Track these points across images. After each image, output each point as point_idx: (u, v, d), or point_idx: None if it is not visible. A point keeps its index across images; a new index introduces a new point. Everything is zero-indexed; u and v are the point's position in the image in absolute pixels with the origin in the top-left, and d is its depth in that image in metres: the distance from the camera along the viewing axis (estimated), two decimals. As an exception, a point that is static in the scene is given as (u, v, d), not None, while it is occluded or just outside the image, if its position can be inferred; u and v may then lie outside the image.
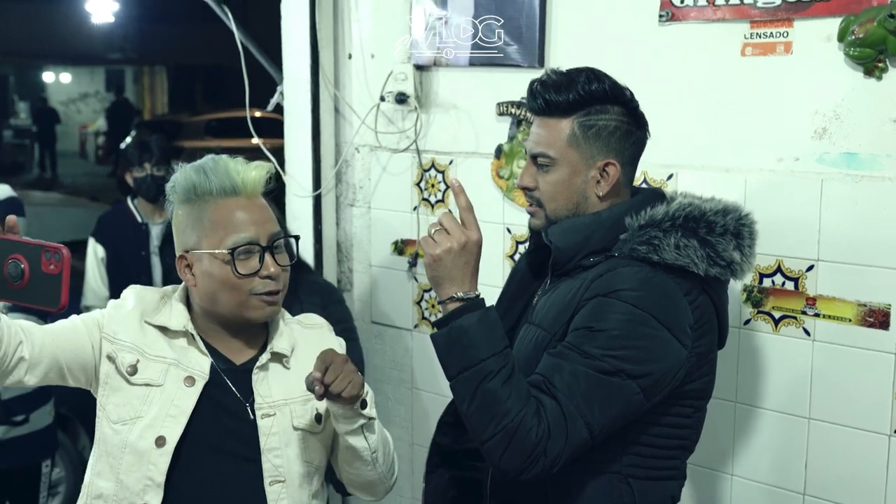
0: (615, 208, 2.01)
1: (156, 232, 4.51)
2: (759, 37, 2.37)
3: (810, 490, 2.40)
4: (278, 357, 2.04)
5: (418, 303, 3.20)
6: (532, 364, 1.94)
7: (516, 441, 1.77)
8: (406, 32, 3.08)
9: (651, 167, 2.56)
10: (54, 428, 3.88)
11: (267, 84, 3.54)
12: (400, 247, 3.21)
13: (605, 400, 1.82)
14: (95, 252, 4.52)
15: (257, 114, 3.46)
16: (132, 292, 2.06)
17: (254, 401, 1.96)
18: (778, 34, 2.34)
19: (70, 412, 4.77)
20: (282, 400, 2.00)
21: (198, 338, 2.01)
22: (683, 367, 1.89)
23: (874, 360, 2.27)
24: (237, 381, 2.00)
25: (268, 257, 1.97)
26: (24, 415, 3.66)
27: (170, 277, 4.11)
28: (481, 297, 1.87)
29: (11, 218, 1.65)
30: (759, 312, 2.44)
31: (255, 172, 1.98)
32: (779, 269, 2.39)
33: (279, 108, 3.50)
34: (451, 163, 3.06)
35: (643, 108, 2.46)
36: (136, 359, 1.96)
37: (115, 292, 4.47)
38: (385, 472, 2.04)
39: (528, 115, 2.11)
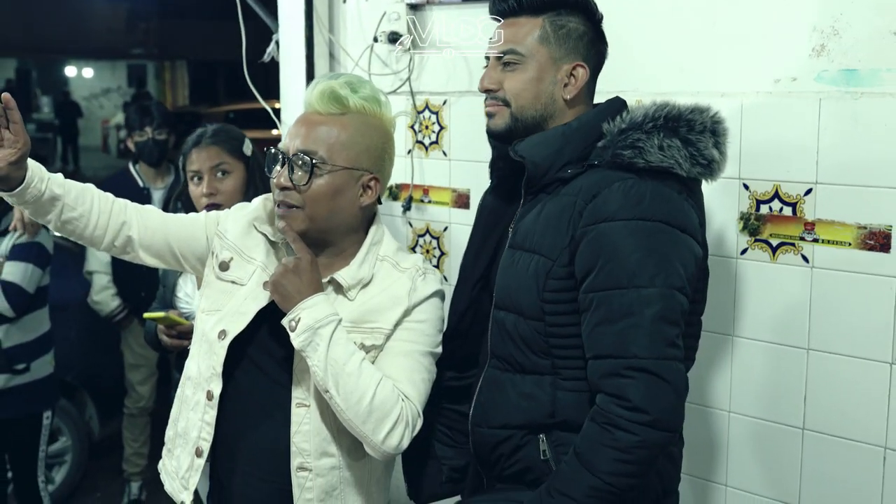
0: (584, 116, 1.98)
1: (157, 197, 4.48)
2: (755, -47, 2.30)
3: (809, 424, 2.32)
4: (337, 286, 2.03)
5: (413, 248, 3.14)
6: (531, 292, 1.91)
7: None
8: (400, -27, 3.02)
9: (644, 95, 2.46)
10: (55, 378, 3.86)
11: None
12: (395, 192, 3.15)
13: (673, 326, 1.81)
14: (99, 217, 4.51)
15: (277, 105, 3.42)
16: (260, 198, 2.18)
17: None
18: (774, -50, 2.27)
19: (76, 380, 4.77)
20: None
21: (287, 251, 2.08)
22: (699, 263, 1.91)
23: (875, 284, 2.18)
24: None
25: (279, 168, 2.00)
26: (25, 363, 3.66)
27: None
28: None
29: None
30: (756, 241, 2.36)
31: (318, 89, 2.02)
32: (776, 195, 2.31)
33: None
34: (444, 103, 3.00)
35: (635, 33, 2.43)
36: (230, 257, 2.10)
37: (117, 258, 4.48)
38: (357, 423, 1.93)
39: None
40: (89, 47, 21.53)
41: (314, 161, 1.97)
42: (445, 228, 3.04)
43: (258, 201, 2.18)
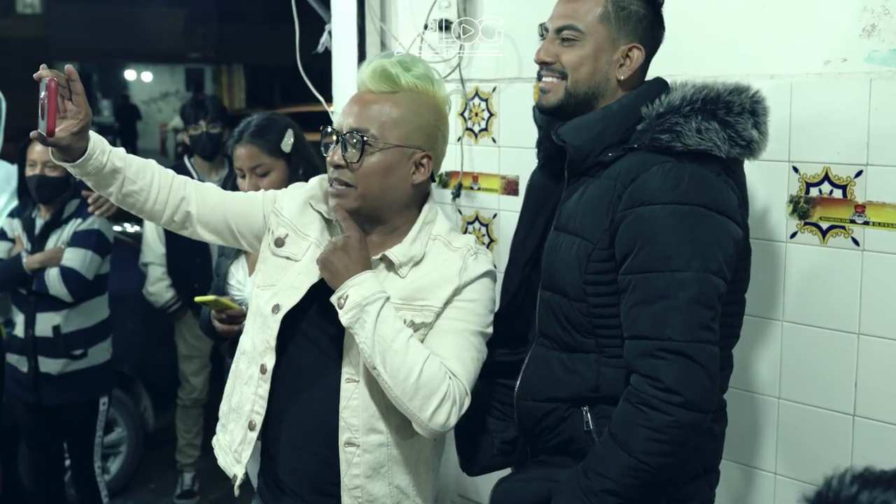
0: (624, 99, 2.00)
1: (211, 190, 4.55)
2: (805, -67, 2.28)
3: (861, 411, 2.28)
4: (389, 263, 2.05)
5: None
6: (574, 274, 1.94)
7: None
8: (451, -38, 3.04)
9: (693, 78, 2.47)
10: (112, 365, 3.93)
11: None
12: (444, 179, 3.17)
13: (708, 309, 1.83)
14: (153, 210, 4.58)
15: (330, 109, 3.47)
16: (317, 178, 2.21)
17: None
18: (825, -71, 2.25)
19: (132, 372, 4.85)
20: None
21: (340, 228, 2.09)
22: (739, 244, 1.91)
23: (927, 267, 2.16)
24: None
25: (333, 146, 2.03)
26: (82, 349, 3.73)
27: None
28: None
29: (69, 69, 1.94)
30: (805, 224, 2.33)
31: (370, 67, 2.04)
32: (826, 177, 2.29)
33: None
34: (494, 90, 3.01)
35: (683, 16, 2.42)
36: (285, 233, 2.13)
37: (171, 249, 4.57)
38: (405, 400, 1.94)
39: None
40: (148, 52, 21.89)
41: (365, 139, 1.99)
42: (495, 215, 3.06)
43: (315, 181, 2.21)
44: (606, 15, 1.97)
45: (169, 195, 2.12)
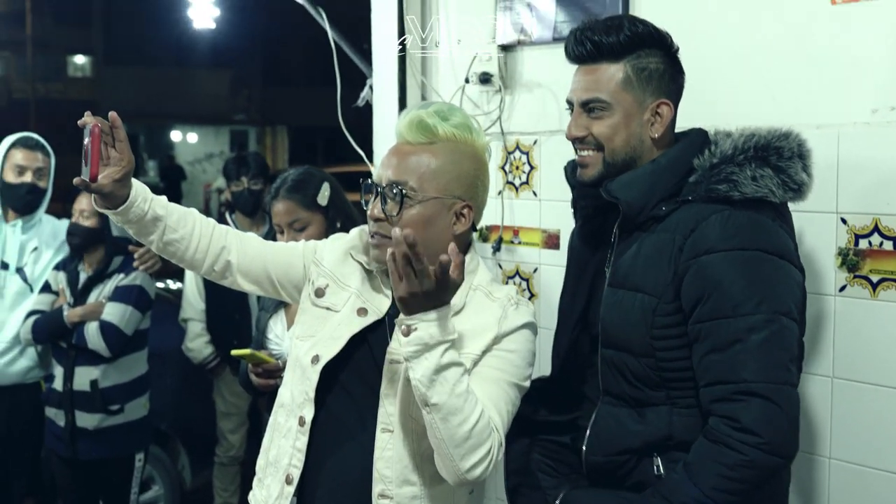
0: (670, 152, 2.01)
1: (252, 245, 4.55)
2: (851, -18, 2.25)
3: (917, 471, 2.20)
4: None
5: (502, 290, 3.12)
6: (640, 330, 1.95)
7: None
8: (492, 16, 3.05)
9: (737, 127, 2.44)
10: (149, 421, 3.91)
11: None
12: (484, 233, 3.14)
13: (783, 351, 1.84)
14: (194, 266, 4.60)
15: (372, 168, 3.49)
16: (357, 229, 2.20)
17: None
18: (871, -22, 2.22)
19: (170, 429, 4.83)
20: None
21: (382, 280, 2.07)
22: (801, 288, 1.95)
23: (983, 321, 2.09)
24: (394, 327, 2.00)
25: (373, 200, 2.02)
26: (119, 404, 3.72)
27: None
28: None
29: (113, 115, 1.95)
30: (855, 277, 2.27)
31: (406, 118, 2.03)
32: (876, 229, 2.23)
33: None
34: (535, 142, 2.99)
35: (727, 65, 2.40)
36: (326, 284, 2.11)
37: (211, 305, 4.57)
38: (450, 445, 1.85)
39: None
40: (194, 113, 22.31)
41: (404, 191, 1.97)
42: (535, 269, 3.02)
43: (355, 231, 2.19)
44: (628, 80, 1.98)
45: (210, 244, 2.12)
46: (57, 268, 3.87)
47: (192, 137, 24.90)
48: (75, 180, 1.93)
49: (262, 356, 2.66)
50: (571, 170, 2.18)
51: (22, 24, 22.75)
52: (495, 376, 1.97)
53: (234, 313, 4.53)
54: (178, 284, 5.70)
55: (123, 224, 2.03)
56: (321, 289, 2.11)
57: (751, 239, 1.87)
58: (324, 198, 2.93)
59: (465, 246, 2.08)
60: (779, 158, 1.92)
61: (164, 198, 2.08)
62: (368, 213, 2.02)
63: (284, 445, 2.08)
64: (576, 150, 2.08)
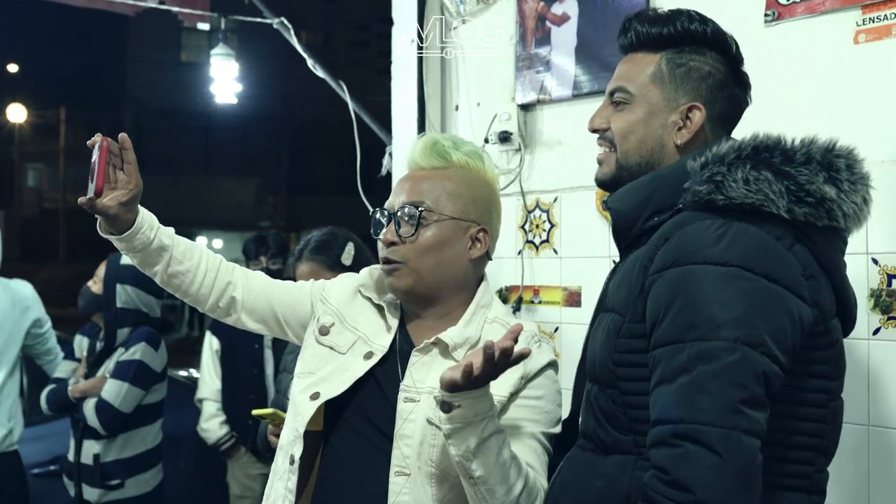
0: (675, 165, 1.73)
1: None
2: (873, 21, 2.23)
3: (962, 525, 2.08)
4: (443, 346, 1.93)
5: (523, 351, 3.04)
6: (603, 353, 1.67)
7: None
8: (511, 77, 3.05)
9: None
10: (154, 497, 3.80)
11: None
12: (504, 294, 3.08)
13: (740, 389, 1.46)
14: (211, 345, 4.55)
15: None
16: (367, 268, 2.14)
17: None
18: (892, 15, 2.20)
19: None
20: (430, 387, 1.86)
21: (390, 313, 2.02)
22: (805, 325, 1.55)
23: None
24: (406, 362, 1.94)
25: (386, 227, 1.97)
26: (120, 479, 3.64)
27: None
28: None
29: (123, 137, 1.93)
30: (888, 319, 2.18)
31: (420, 144, 2.01)
32: (909, 268, 2.15)
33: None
34: (555, 200, 2.95)
35: (754, 110, 2.34)
36: (331, 322, 2.03)
37: (226, 384, 4.49)
38: None
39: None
40: (221, 219, 22.57)
41: (421, 210, 1.93)
42: (556, 329, 2.94)
43: (365, 270, 2.14)
44: (660, 73, 1.76)
45: (216, 279, 2.07)
46: (83, 332, 3.86)
47: (217, 243, 25.12)
48: (80, 200, 1.89)
49: (285, 416, 2.59)
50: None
51: (56, 135, 23.31)
52: (531, 430, 1.89)
53: (250, 393, 4.46)
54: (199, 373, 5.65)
55: (128, 252, 1.99)
56: (326, 326, 2.04)
57: (732, 252, 1.52)
58: (348, 257, 2.89)
59: (478, 278, 2.03)
60: (785, 162, 1.57)
61: (171, 229, 2.04)
62: (381, 237, 1.97)
63: (279, 488, 1.98)
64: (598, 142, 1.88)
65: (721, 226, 1.56)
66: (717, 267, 1.52)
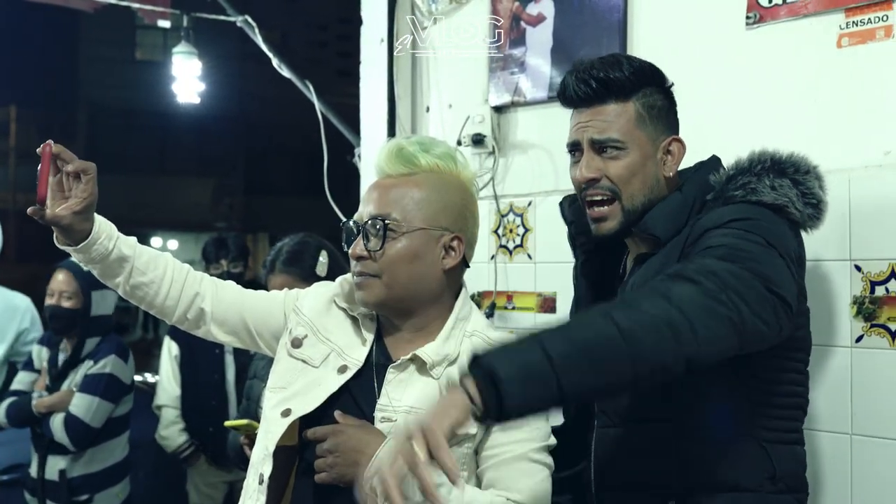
0: (693, 178, 1.93)
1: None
2: (856, 25, 2.21)
3: (946, 535, 2.05)
4: (420, 363, 1.84)
5: (496, 358, 2.99)
6: None
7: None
8: (485, 78, 3.00)
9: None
10: None
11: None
12: (477, 300, 3.02)
13: (762, 277, 1.60)
14: (170, 350, 4.44)
15: None
16: (340, 277, 2.03)
17: (378, 401, 1.76)
18: (876, 19, 2.18)
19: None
20: (408, 406, 1.80)
21: (366, 325, 1.92)
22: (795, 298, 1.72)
23: None
24: (383, 378, 1.85)
25: (355, 240, 1.87)
26: (87, 495, 3.53)
27: (242, 376, 3.98)
28: None
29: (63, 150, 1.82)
30: (872, 326, 2.16)
31: (385, 150, 1.91)
32: (892, 275, 2.13)
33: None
34: (530, 204, 2.90)
35: (736, 111, 2.34)
36: (304, 334, 1.94)
37: (186, 391, 4.38)
38: None
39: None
40: (176, 220, 22.29)
41: (388, 223, 1.83)
42: (530, 335, 2.89)
43: (339, 280, 2.04)
44: (641, 118, 1.88)
45: (182, 290, 1.97)
46: (41, 342, 3.71)
47: (173, 244, 24.83)
48: (29, 210, 1.80)
49: (258, 426, 2.52)
50: (568, 205, 2.10)
51: (6, 134, 22.88)
52: (520, 451, 1.81)
53: (211, 399, 4.36)
54: (157, 378, 5.52)
55: (87, 264, 1.89)
56: (298, 338, 1.94)
57: (757, 225, 1.71)
58: (322, 267, 2.81)
59: (456, 288, 1.95)
60: (796, 172, 1.83)
61: (133, 238, 1.95)
62: (350, 252, 1.88)
63: None
64: (583, 198, 1.93)
65: (746, 207, 1.77)
66: (744, 232, 1.69)
